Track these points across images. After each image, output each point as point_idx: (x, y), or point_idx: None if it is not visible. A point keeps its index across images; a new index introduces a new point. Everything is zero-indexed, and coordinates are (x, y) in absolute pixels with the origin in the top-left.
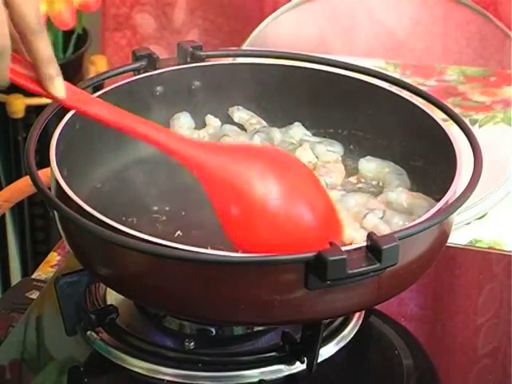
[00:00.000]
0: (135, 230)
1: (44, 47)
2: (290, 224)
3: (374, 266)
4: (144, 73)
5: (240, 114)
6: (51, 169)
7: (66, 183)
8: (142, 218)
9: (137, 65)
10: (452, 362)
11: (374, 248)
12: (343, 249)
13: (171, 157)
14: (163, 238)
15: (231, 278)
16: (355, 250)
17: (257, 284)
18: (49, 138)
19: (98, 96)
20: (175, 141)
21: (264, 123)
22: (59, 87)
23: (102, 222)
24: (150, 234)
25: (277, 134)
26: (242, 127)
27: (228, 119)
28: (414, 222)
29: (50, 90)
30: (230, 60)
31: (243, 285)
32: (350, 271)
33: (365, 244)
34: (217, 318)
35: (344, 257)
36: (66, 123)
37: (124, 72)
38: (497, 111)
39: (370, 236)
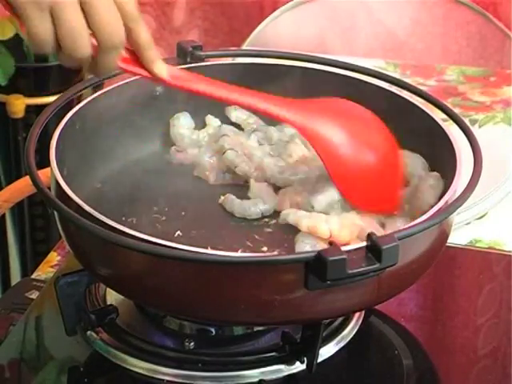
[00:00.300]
0: (135, 230)
1: (144, 33)
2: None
3: (374, 266)
4: None
5: (237, 113)
6: (51, 169)
7: (66, 183)
8: (141, 218)
9: None
10: (452, 362)
11: (373, 248)
12: (343, 249)
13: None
14: (163, 238)
15: (231, 278)
16: (355, 249)
17: (257, 284)
18: (49, 137)
19: (98, 96)
20: (276, 108)
21: (261, 122)
22: (161, 68)
23: (102, 222)
24: (149, 234)
25: (274, 132)
26: (239, 127)
27: (226, 119)
28: (414, 222)
29: (154, 71)
30: (229, 60)
31: (243, 285)
32: (350, 271)
33: (365, 244)
34: (217, 318)
35: (344, 257)
36: (66, 123)
37: (123, 72)
38: (497, 111)
39: (370, 236)
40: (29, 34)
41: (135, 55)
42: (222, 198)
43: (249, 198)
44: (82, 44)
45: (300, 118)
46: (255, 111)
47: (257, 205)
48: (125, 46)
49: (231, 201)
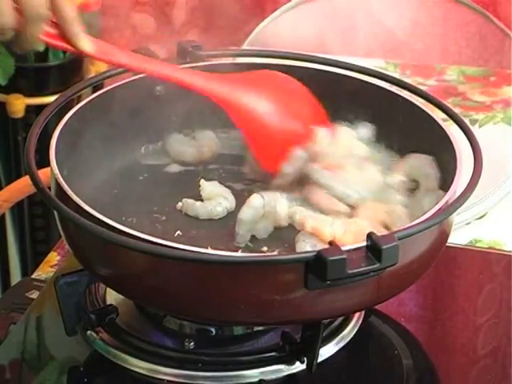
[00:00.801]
0: (135, 229)
1: (68, 7)
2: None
3: (374, 266)
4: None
5: None
6: (51, 168)
7: (66, 183)
8: (141, 218)
9: None
10: (452, 362)
11: (373, 248)
12: (343, 248)
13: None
14: (163, 238)
15: (231, 277)
16: (355, 249)
17: (257, 284)
18: (49, 137)
19: (98, 96)
20: (196, 78)
21: None
22: (86, 42)
23: (102, 221)
24: (149, 234)
25: None
26: None
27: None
28: (414, 222)
29: (78, 45)
30: (229, 60)
31: (243, 285)
32: (350, 271)
33: (364, 244)
34: (216, 317)
35: (344, 257)
36: (66, 123)
37: (124, 72)
38: (497, 111)
39: (370, 236)
40: None
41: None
42: (180, 204)
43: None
44: (3, 12)
45: (215, 87)
46: (172, 82)
47: (221, 203)
48: (50, 20)
49: (192, 204)
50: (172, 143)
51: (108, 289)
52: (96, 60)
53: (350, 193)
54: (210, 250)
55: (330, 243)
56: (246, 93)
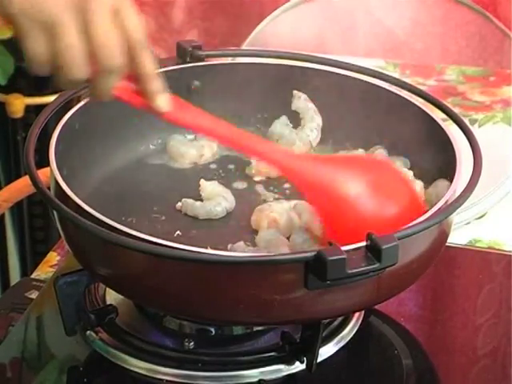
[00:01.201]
0: (134, 229)
1: (149, 62)
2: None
3: (374, 266)
4: None
5: None
6: (50, 169)
7: (66, 183)
8: (141, 218)
9: None
10: (451, 362)
11: (373, 248)
12: (343, 248)
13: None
14: (163, 238)
15: (231, 277)
16: (355, 249)
17: (256, 284)
18: (48, 137)
19: None
20: (277, 155)
21: None
22: (164, 101)
23: (102, 221)
24: (149, 234)
25: None
26: None
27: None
28: (414, 222)
29: (155, 104)
30: (229, 60)
31: (243, 285)
32: (350, 271)
33: (364, 244)
34: (216, 317)
35: (343, 256)
36: (66, 123)
37: None
38: (496, 111)
39: (370, 236)
40: (26, 51)
41: (137, 85)
42: (179, 204)
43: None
44: (79, 64)
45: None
46: (253, 156)
47: (220, 203)
48: (128, 74)
49: (191, 204)
50: (172, 143)
51: (107, 289)
52: (170, 121)
53: None
54: (209, 250)
55: (330, 243)
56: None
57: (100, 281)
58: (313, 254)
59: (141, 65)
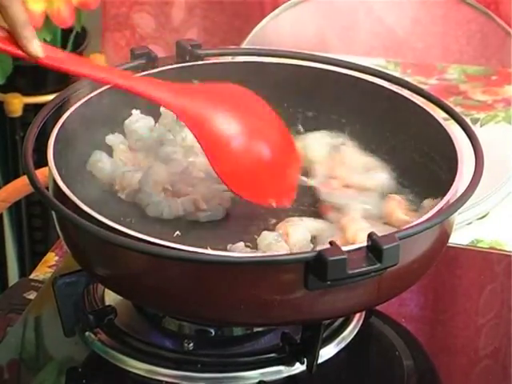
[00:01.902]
0: (134, 230)
1: (19, 11)
2: (256, 156)
3: (375, 266)
4: (142, 71)
5: None
6: (49, 168)
7: (64, 183)
8: (140, 218)
9: (135, 63)
10: (453, 362)
11: (374, 248)
12: (343, 249)
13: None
14: (162, 239)
15: (231, 278)
16: (356, 250)
17: (256, 284)
18: (47, 136)
19: (97, 94)
20: (156, 90)
21: None
22: (36, 47)
23: (100, 222)
24: (148, 234)
25: None
26: None
27: None
28: (415, 222)
29: (28, 49)
30: (229, 59)
31: (243, 285)
32: (351, 271)
33: (365, 244)
34: (216, 318)
35: (344, 257)
36: (64, 122)
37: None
38: (498, 110)
39: (371, 236)
40: None
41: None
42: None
43: None
44: None
45: (181, 101)
46: (135, 94)
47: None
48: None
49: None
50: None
51: (106, 289)
52: (45, 66)
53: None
54: (209, 251)
55: (331, 243)
56: (206, 105)
57: (99, 281)
58: (313, 254)
59: (11, 14)
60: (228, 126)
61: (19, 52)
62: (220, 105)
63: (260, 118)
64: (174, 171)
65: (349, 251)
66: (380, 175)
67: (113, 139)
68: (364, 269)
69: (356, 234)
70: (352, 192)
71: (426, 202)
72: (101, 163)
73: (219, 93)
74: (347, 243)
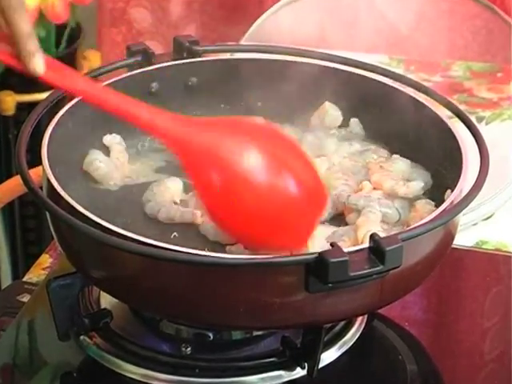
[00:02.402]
0: (130, 231)
1: (24, 23)
2: (273, 196)
3: (377, 269)
4: (139, 68)
5: None
6: (43, 168)
7: (58, 183)
8: (136, 219)
9: (131, 60)
10: (457, 367)
11: (377, 249)
12: (345, 250)
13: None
14: (159, 240)
15: (230, 280)
16: (357, 251)
17: (256, 287)
18: (41, 135)
19: None
20: (153, 116)
21: None
22: (38, 63)
23: (96, 222)
24: (145, 236)
25: None
26: None
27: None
28: (419, 223)
29: (29, 65)
30: (227, 55)
31: (242, 288)
32: (352, 273)
33: (367, 245)
34: (215, 321)
35: (346, 258)
36: (58, 121)
37: (118, 68)
38: (504, 108)
39: (373, 237)
40: None
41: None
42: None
43: None
44: None
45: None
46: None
47: None
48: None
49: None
50: None
51: (102, 292)
52: (48, 84)
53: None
54: (207, 252)
55: (332, 245)
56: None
57: (94, 284)
58: (314, 255)
59: (14, 25)
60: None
61: (20, 66)
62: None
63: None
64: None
65: (350, 252)
66: (415, 183)
67: (110, 139)
68: (366, 271)
69: (366, 235)
70: (378, 195)
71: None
72: (97, 162)
73: (233, 126)
74: (356, 243)
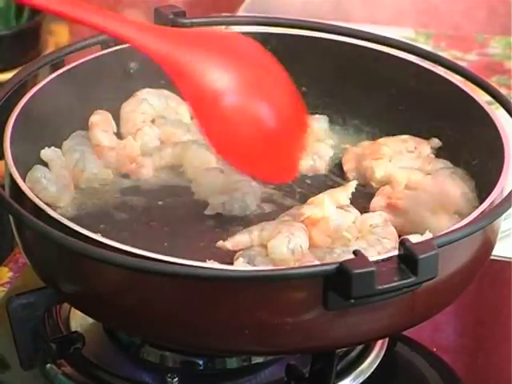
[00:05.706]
0: (111, 239)
1: None
2: (251, 119)
3: (409, 280)
4: (115, 46)
5: None
6: (5, 163)
7: (24, 180)
8: (120, 225)
9: (105, 36)
10: None
11: (408, 258)
12: (371, 259)
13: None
14: (147, 250)
15: (231, 296)
16: (385, 260)
17: (264, 305)
18: (2, 126)
19: (59, 75)
20: (132, 30)
21: None
22: None
23: (69, 228)
24: (130, 245)
25: None
26: None
27: None
28: (455, 227)
29: None
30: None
31: (246, 305)
32: (380, 287)
33: (397, 253)
34: (213, 346)
35: (372, 269)
36: (21, 109)
37: (90, 45)
38: None
39: (404, 243)
40: None
41: None
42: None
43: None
44: None
45: (166, 47)
46: (112, 35)
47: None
48: None
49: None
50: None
51: (72, 312)
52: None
53: None
54: (205, 263)
55: (355, 253)
56: (198, 53)
57: (66, 300)
58: (334, 266)
59: None
60: (222, 78)
61: None
62: (213, 54)
63: (264, 75)
64: None
65: (377, 262)
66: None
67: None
68: (396, 283)
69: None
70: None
71: None
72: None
73: (215, 41)
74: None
